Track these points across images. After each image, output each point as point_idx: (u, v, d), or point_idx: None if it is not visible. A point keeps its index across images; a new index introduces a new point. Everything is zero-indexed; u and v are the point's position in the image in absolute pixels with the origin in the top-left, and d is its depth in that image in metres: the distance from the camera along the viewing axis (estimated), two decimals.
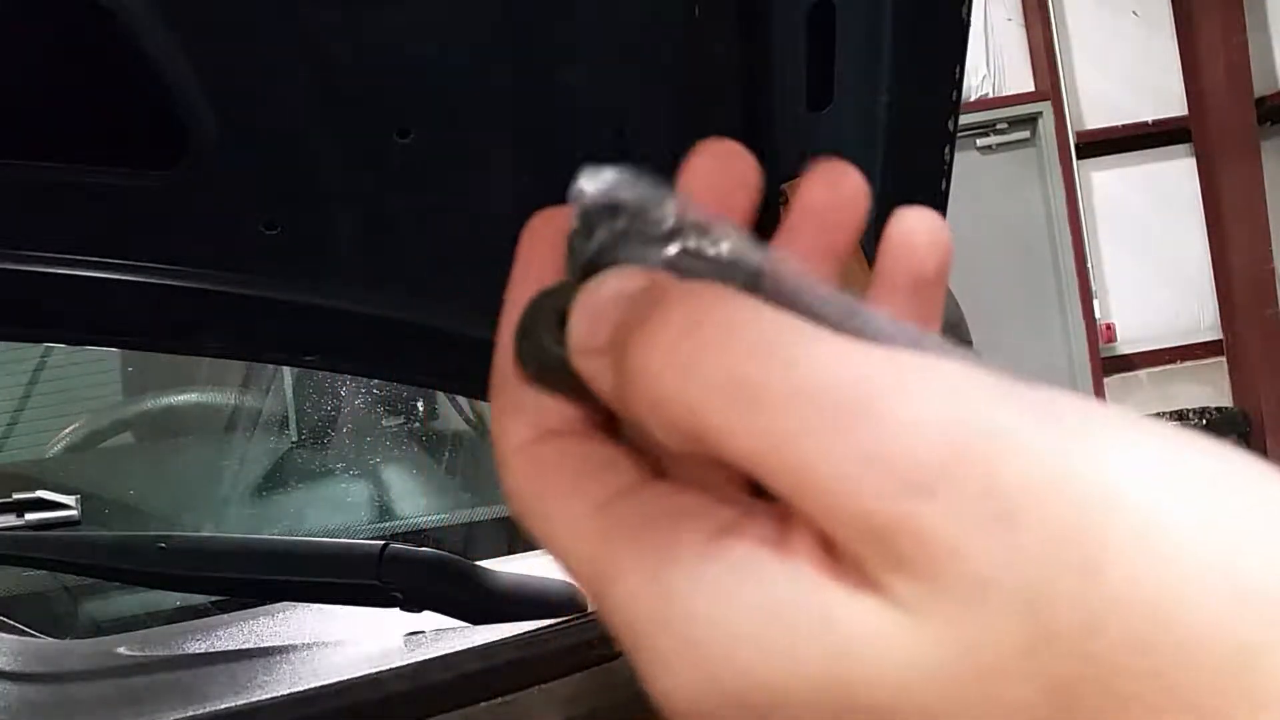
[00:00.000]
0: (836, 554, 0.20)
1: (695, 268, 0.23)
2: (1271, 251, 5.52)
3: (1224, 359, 5.80)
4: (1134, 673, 0.17)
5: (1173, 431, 0.19)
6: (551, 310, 0.24)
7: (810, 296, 0.23)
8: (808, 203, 0.27)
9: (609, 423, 0.25)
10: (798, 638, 0.19)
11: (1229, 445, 0.19)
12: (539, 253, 0.27)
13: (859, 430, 0.19)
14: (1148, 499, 0.18)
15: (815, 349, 0.20)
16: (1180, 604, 0.17)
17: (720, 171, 0.27)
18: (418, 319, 0.87)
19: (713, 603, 0.20)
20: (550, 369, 0.24)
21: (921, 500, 0.18)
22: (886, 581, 0.19)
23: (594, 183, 0.24)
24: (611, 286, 0.23)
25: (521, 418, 0.25)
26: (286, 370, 1.65)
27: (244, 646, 1.08)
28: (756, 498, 0.22)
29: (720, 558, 0.21)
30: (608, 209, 0.24)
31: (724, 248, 0.23)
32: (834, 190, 0.27)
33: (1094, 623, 0.17)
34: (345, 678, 0.81)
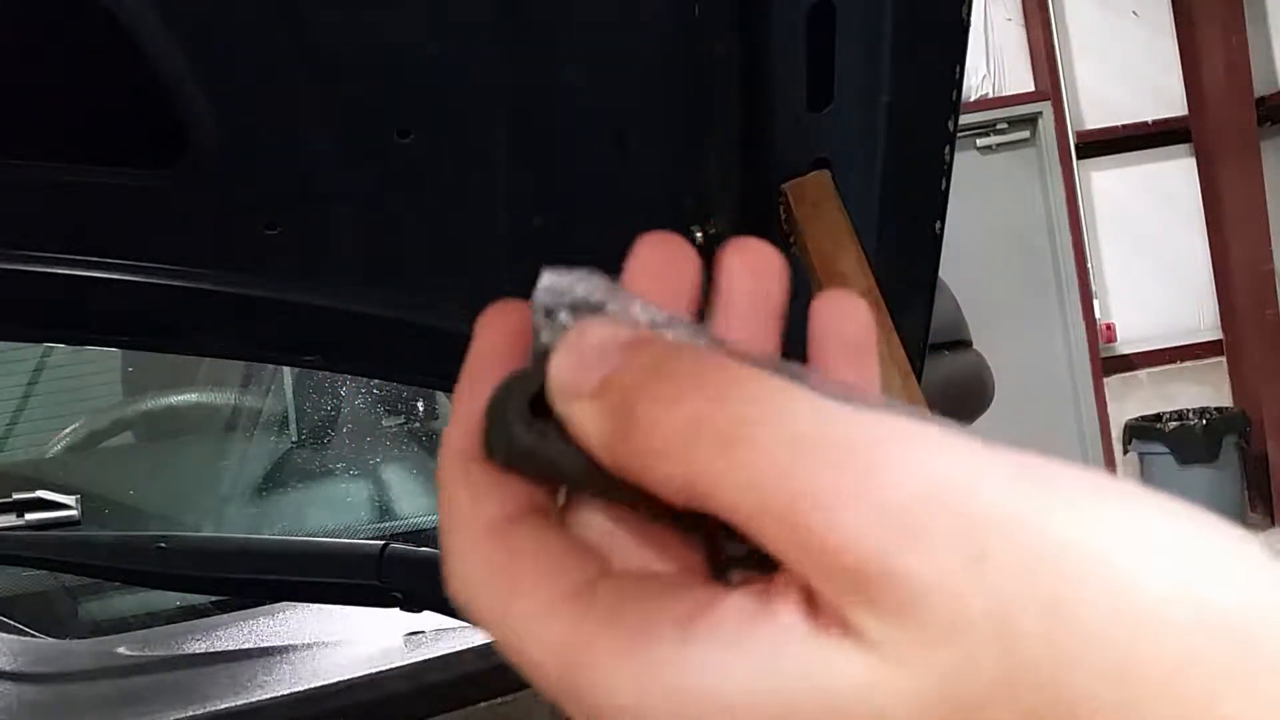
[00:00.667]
0: (819, 609, 0.20)
1: None
2: (1271, 251, 5.52)
3: (1224, 359, 5.80)
4: (1108, 705, 0.18)
5: (1135, 487, 0.20)
6: (521, 394, 0.25)
7: None
8: (734, 286, 0.29)
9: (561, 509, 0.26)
10: (791, 695, 0.20)
11: (1180, 502, 0.20)
12: (496, 343, 0.27)
13: (844, 478, 0.20)
14: (1112, 544, 0.19)
15: (806, 406, 0.21)
16: (1149, 642, 0.18)
17: (665, 261, 0.29)
18: (418, 319, 0.87)
19: (702, 673, 0.21)
20: (520, 454, 0.24)
21: (899, 542, 0.19)
22: (868, 627, 0.20)
23: (556, 281, 0.26)
24: (599, 333, 0.24)
25: (487, 501, 0.25)
26: (286, 370, 1.65)
27: (244, 646, 1.08)
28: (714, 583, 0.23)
29: (707, 630, 0.21)
30: (570, 305, 0.25)
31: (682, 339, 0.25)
32: (754, 272, 0.29)
33: (1068, 656, 0.18)
34: (345, 678, 0.81)
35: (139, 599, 1.34)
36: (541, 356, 0.25)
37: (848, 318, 0.29)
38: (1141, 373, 5.88)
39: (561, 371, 0.23)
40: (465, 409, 0.26)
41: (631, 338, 0.24)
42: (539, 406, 0.24)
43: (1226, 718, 0.17)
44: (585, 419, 0.23)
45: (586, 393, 0.23)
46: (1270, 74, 5.60)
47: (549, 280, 0.25)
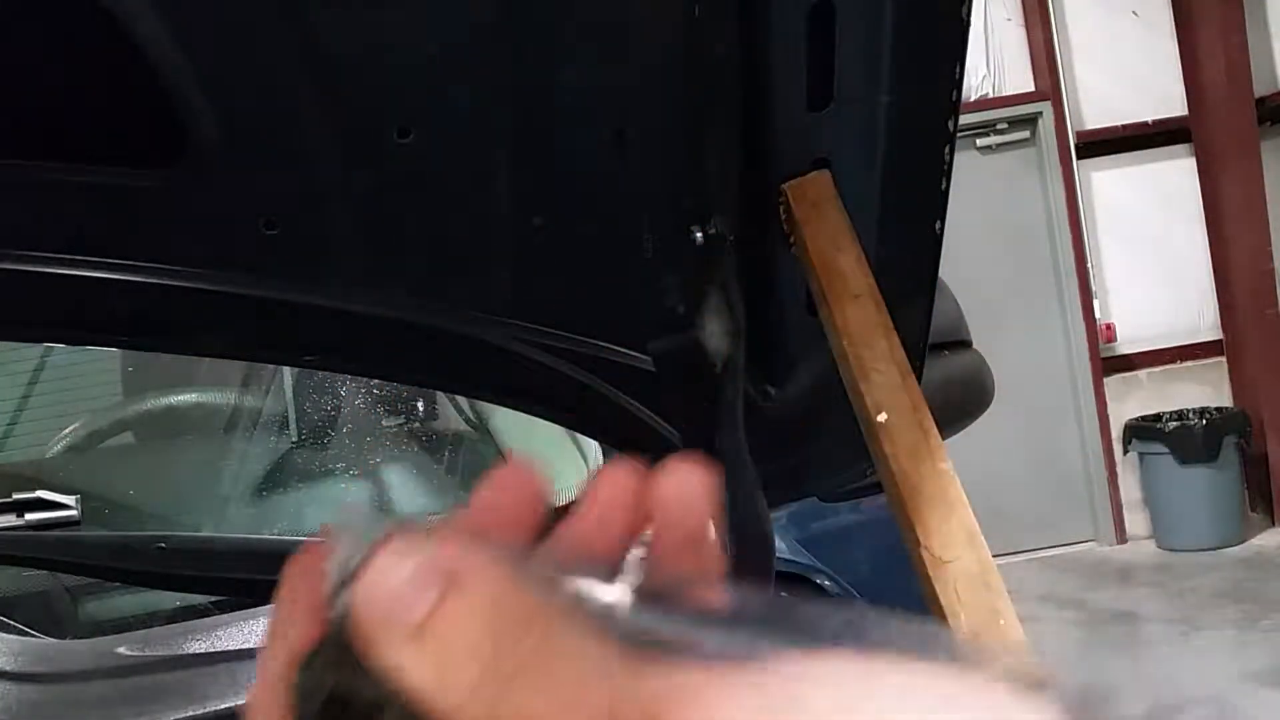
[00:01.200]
0: None
1: None
2: (1271, 251, 5.53)
3: (1224, 359, 5.80)
4: None
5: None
6: (317, 684, 0.24)
7: None
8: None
9: None
10: None
11: None
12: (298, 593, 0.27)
13: None
14: None
15: (574, 669, 0.22)
16: None
17: (511, 494, 0.29)
18: (418, 319, 0.87)
19: None
20: None
21: None
22: None
23: (351, 541, 0.24)
24: (412, 561, 0.23)
25: None
26: (286, 370, 1.65)
27: (244, 646, 1.08)
28: None
29: None
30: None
31: None
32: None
33: None
34: None
35: (139, 599, 1.34)
36: (337, 627, 0.23)
37: (684, 505, 0.28)
38: (1141, 373, 5.88)
39: (373, 611, 0.22)
40: (267, 669, 0.25)
41: (449, 564, 0.22)
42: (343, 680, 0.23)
43: None
44: (408, 667, 0.22)
45: (405, 637, 0.22)
46: (1270, 74, 5.60)
47: (342, 544, 0.24)
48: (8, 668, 1.05)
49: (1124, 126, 5.77)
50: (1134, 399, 5.83)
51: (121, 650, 1.11)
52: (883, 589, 1.41)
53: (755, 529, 0.90)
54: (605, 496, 0.28)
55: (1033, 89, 5.78)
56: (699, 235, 0.74)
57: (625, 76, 0.73)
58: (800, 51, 0.72)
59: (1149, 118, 5.77)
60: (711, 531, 0.28)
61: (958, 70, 0.73)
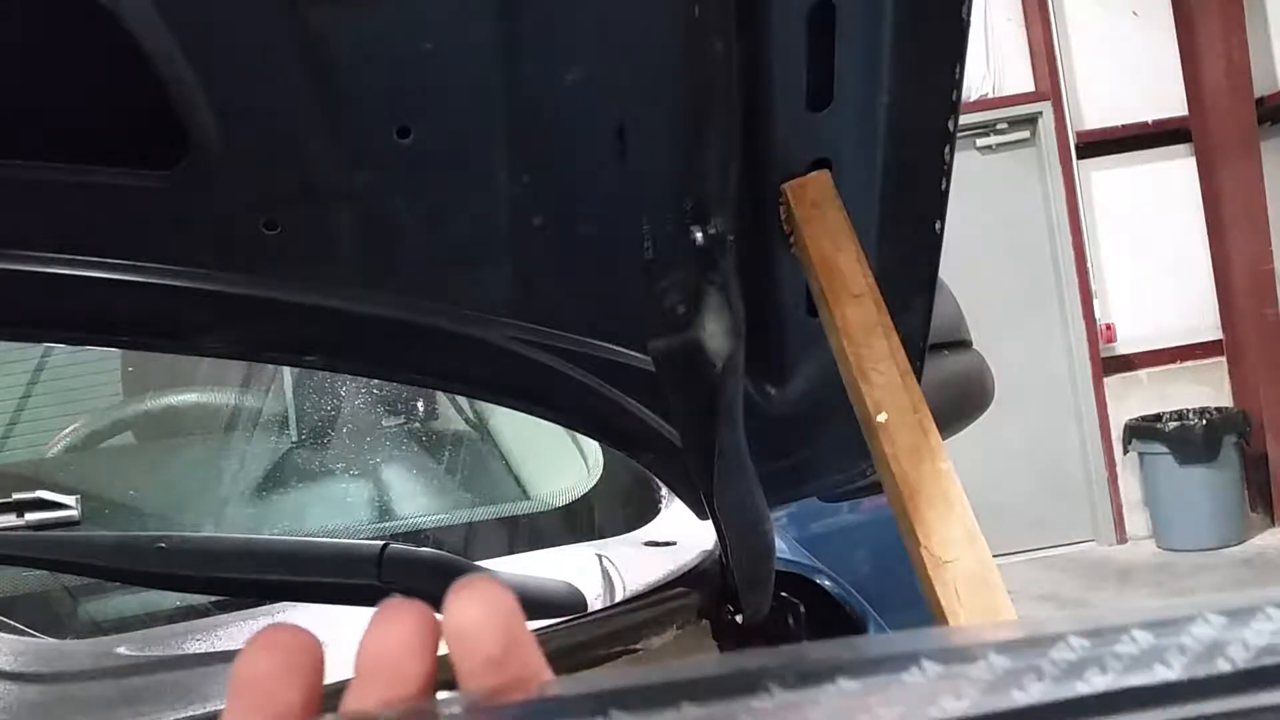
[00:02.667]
0: None
1: None
2: (1271, 251, 5.53)
3: (1224, 359, 5.81)
4: None
5: None
6: None
7: None
8: (374, 654, 0.29)
9: None
10: None
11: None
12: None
13: None
14: None
15: None
16: None
17: (281, 664, 0.29)
18: (418, 319, 0.87)
19: None
20: None
21: None
22: None
23: None
24: None
25: None
26: (286, 370, 1.65)
27: (244, 647, 1.08)
28: None
29: None
30: None
31: None
32: (396, 637, 0.29)
33: None
34: (345, 678, 0.81)
35: (139, 599, 1.34)
36: None
37: (487, 635, 0.28)
38: (1141, 373, 5.88)
39: None
40: None
41: None
42: None
43: None
44: None
45: None
46: (1270, 74, 5.60)
47: None
48: (8, 668, 1.05)
49: (1124, 126, 5.78)
50: (1134, 399, 5.84)
51: (121, 650, 1.11)
52: (883, 589, 1.41)
53: (755, 529, 0.90)
54: (392, 649, 0.28)
55: (1033, 89, 5.79)
56: (699, 235, 0.74)
57: (625, 76, 0.73)
58: (800, 51, 0.72)
59: (1149, 118, 5.77)
60: (508, 646, 0.28)
61: (958, 70, 0.73)
